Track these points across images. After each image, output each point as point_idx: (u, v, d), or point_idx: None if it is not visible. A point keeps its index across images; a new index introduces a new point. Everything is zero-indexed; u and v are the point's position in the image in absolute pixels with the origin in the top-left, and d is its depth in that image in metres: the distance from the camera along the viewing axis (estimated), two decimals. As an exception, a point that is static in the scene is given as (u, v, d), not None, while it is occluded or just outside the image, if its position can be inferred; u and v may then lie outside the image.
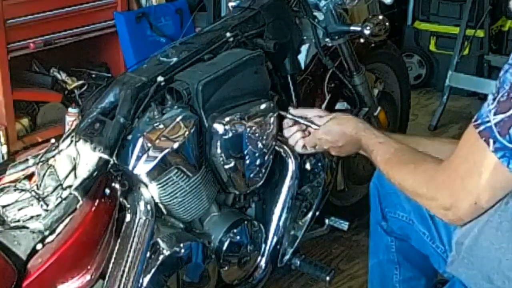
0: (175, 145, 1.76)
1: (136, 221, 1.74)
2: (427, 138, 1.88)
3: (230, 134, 1.84)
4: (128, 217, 1.75)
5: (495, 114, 1.25)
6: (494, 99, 1.26)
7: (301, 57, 2.34)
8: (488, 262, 1.40)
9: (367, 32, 2.28)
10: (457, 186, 1.33)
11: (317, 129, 1.86)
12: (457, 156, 1.35)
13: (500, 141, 1.24)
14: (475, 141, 1.28)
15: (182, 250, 1.82)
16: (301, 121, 1.91)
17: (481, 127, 1.27)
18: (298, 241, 2.26)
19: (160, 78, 1.83)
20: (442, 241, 1.70)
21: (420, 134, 1.91)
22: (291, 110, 1.96)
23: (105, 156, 1.69)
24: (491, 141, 1.25)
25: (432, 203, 1.41)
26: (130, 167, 1.74)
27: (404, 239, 1.84)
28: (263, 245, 2.11)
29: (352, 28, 2.31)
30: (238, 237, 2.00)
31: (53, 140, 1.89)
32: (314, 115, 1.91)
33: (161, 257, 1.79)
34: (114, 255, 1.72)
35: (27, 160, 1.89)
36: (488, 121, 1.26)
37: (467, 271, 1.46)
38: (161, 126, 1.77)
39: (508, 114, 1.23)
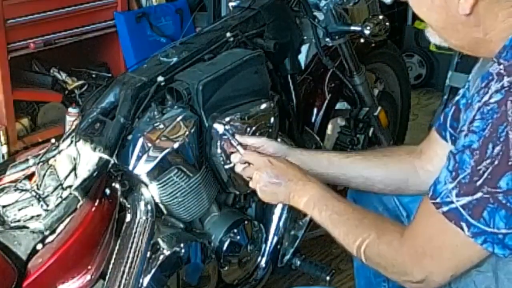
0: (175, 145, 1.76)
1: (136, 221, 1.74)
2: (375, 157, 1.75)
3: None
4: (128, 217, 1.75)
5: (457, 195, 1.20)
6: (453, 179, 1.22)
7: (301, 57, 2.34)
8: None
9: (367, 32, 2.28)
10: (429, 263, 1.28)
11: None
12: (421, 234, 1.30)
13: (476, 225, 1.19)
14: (441, 223, 1.23)
15: (182, 250, 1.82)
16: (233, 142, 1.77)
17: (445, 208, 1.22)
18: (298, 241, 2.27)
19: (160, 78, 1.83)
20: None
21: (369, 152, 1.80)
22: (238, 137, 1.80)
23: (105, 156, 1.69)
24: (463, 225, 1.20)
25: (402, 277, 1.35)
26: (130, 167, 1.74)
27: None
28: (263, 245, 2.11)
29: (352, 28, 2.32)
30: (238, 237, 2.00)
31: (53, 140, 1.90)
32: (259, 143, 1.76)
33: (161, 257, 1.79)
34: (114, 255, 1.72)
35: (27, 160, 1.89)
36: (451, 202, 1.21)
37: None
38: (161, 126, 1.77)
39: (475, 197, 1.18)
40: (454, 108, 1.55)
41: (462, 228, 1.21)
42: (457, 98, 1.55)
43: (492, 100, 1.19)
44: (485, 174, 1.17)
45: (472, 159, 1.19)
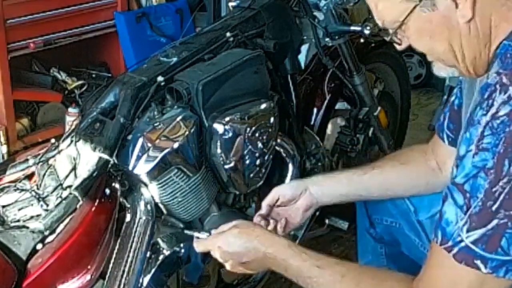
0: (175, 145, 1.76)
1: (136, 221, 1.74)
2: (393, 166, 1.70)
3: (230, 134, 1.84)
4: (128, 217, 1.75)
5: (468, 230, 1.10)
6: (465, 213, 1.11)
7: (301, 57, 2.34)
8: None
9: (367, 32, 2.28)
10: None
11: (215, 236, 1.58)
12: (433, 285, 1.19)
13: (494, 258, 1.09)
14: (451, 268, 1.13)
15: (182, 250, 1.82)
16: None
17: (455, 250, 1.13)
18: (298, 241, 2.26)
19: (160, 78, 1.83)
20: None
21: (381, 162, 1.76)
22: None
23: (105, 156, 1.69)
24: (478, 263, 1.10)
25: None
26: (130, 167, 1.74)
27: (394, 245, 1.82)
28: (263, 245, 2.11)
29: (352, 28, 2.31)
30: (238, 237, 2.00)
31: (53, 140, 1.89)
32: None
33: (161, 257, 1.79)
34: (114, 255, 1.73)
35: (27, 160, 1.89)
36: (461, 241, 1.11)
37: None
38: (161, 126, 1.77)
39: (490, 226, 1.08)
40: (450, 109, 1.54)
41: (477, 267, 1.11)
42: (452, 98, 1.53)
43: (501, 113, 1.11)
44: (502, 196, 1.08)
45: (487, 181, 1.09)
